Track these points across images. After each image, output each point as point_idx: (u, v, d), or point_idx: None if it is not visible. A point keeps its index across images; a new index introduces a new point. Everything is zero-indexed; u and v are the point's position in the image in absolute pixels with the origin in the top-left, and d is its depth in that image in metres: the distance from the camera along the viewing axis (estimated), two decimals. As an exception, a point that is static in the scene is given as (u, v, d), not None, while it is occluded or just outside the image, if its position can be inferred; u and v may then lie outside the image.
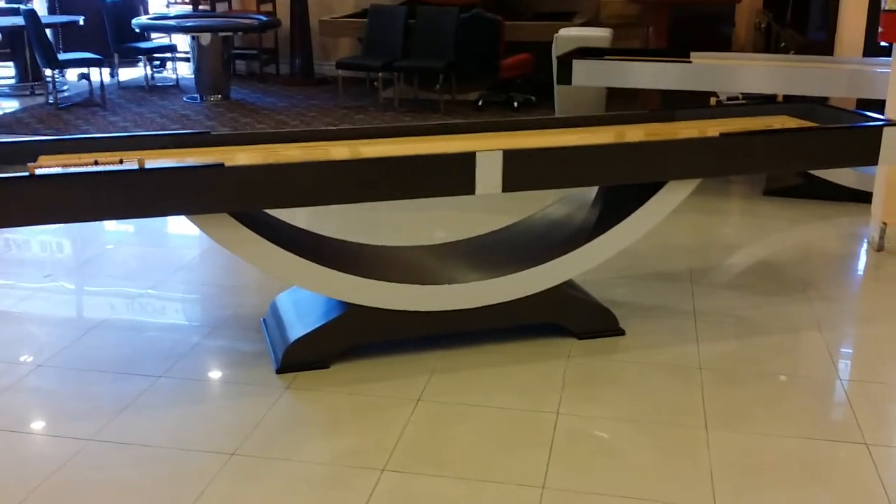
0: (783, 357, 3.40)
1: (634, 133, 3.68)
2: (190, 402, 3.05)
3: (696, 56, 5.91)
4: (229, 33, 8.69)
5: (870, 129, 3.55)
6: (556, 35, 7.02)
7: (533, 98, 8.43)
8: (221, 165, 2.94)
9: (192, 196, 2.92)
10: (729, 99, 4.03)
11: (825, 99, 5.79)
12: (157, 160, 3.14)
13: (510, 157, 3.19)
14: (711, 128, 3.77)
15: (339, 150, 3.36)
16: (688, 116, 3.96)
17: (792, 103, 4.09)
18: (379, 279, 3.28)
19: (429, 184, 3.17)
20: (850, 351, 3.51)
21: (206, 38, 8.45)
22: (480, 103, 8.42)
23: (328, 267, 3.19)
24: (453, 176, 3.17)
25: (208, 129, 7.27)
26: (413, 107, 8.39)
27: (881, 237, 4.52)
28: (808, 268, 4.33)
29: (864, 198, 5.13)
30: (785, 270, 4.30)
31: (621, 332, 3.59)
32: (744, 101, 4.07)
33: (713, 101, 3.93)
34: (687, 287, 4.08)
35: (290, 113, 8.12)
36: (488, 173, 3.19)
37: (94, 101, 8.49)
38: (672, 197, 3.47)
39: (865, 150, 3.56)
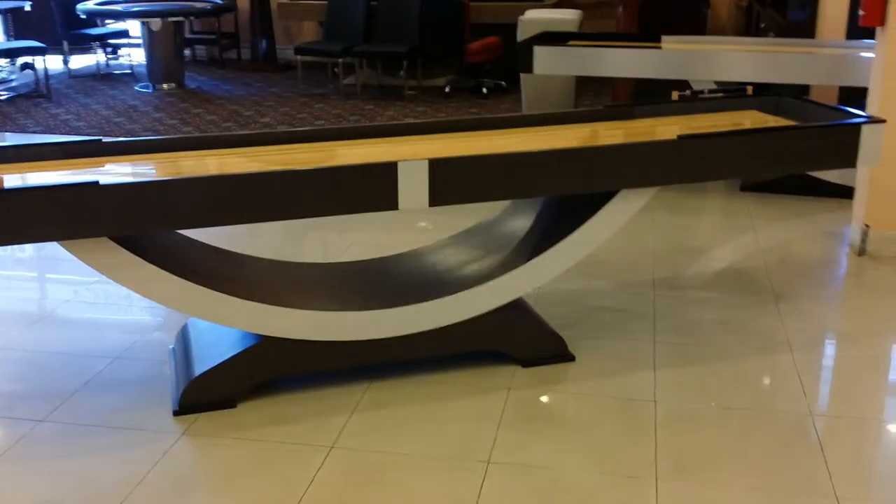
0: (748, 387, 3.03)
1: (584, 135, 3.29)
2: (69, 453, 2.66)
3: (666, 41, 5.51)
4: (181, 18, 8.24)
5: (847, 127, 3.16)
6: (520, 18, 6.60)
7: (504, 83, 8.01)
8: (96, 183, 2.54)
9: (62, 219, 2.52)
10: (693, 92, 3.65)
11: (805, 88, 5.41)
12: (27, 176, 2.75)
13: (438, 166, 2.80)
14: (674, 126, 3.39)
15: (243, 162, 2.97)
16: (647, 114, 3.57)
17: (762, 96, 3.70)
18: (293, 305, 2.90)
19: (343, 199, 2.76)
20: (825, 378, 3.13)
21: (156, 23, 8.00)
22: (448, 90, 8.01)
23: (229, 293, 2.81)
24: (372, 189, 2.78)
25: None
26: (376, 94, 7.97)
27: (863, 240, 4.15)
28: (783, 275, 3.96)
29: (846, 193, 4.76)
30: (757, 279, 3.92)
31: (571, 358, 3.21)
32: (718, 93, 3.67)
33: (675, 95, 3.55)
34: (649, 300, 3.70)
35: (246, 102, 7.70)
36: (412, 185, 2.80)
37: (40, 91, 8.04)
38: (625, 207, 3.08)
39: (842, 150, 3.17)
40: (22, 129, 6.75)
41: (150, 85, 8.28)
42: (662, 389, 3.00)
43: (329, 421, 2.82)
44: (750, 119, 3.54)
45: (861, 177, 4.24)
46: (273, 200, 2.69)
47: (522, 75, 6.62)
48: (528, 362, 3.17)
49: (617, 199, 3.06)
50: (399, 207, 2.82)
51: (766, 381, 3.07)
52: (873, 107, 4.04)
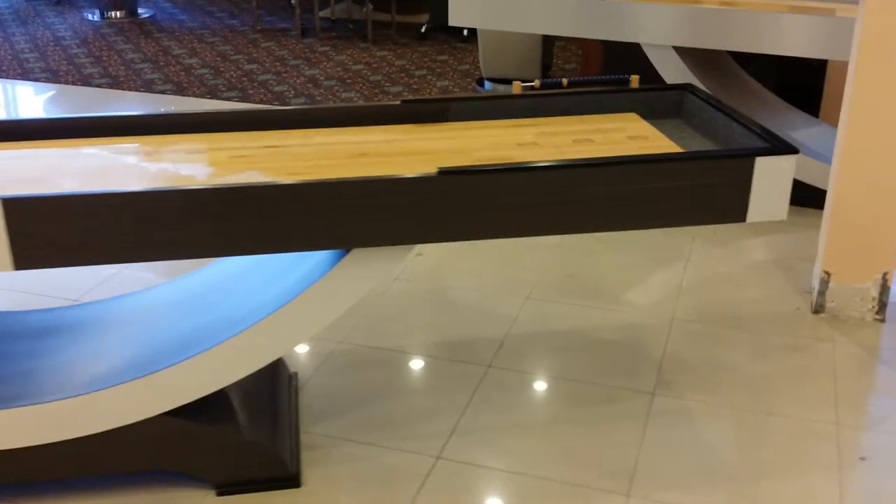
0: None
1: (329, 151, 2.19)
2: None
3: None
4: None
5: (724, 160, 1.98)
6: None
7: (491, 24, 6.77)
8: None
9: None
10: (544, 83, 2.48)
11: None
12: None
13: (18, 209, 1.77)
14: (493, 136, 2.26)
15: None
16: (470, 114, 2.43)
17: (660, 89, 2.50)
18: None
19: None
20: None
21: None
22: (424, 30, 6.83)
23: None
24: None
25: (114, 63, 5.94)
26: (343, 31, 6.86)
27: (821, 293, 2.93)
28: (686, 343, 2.79)
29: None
30: (645, 347, 2.77)
31: (293, 484, 2.18)
32: (587, 84, 2.51)
33: (517, 87, 2.40)
34: (473, 378, 2.62)
35: (187, 38, 6.70)
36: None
37: (-25, 17, 7.24)
38: (360, 275, 2.00)
39: (718, 198, 2.00)
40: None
41: (100, 12, 7.37)
42: (393, 559, 1.95)
43: None
44: (625, 129, 2.37)
45: (826, 208, 3.00)
46: None
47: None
48: (224, 488, 2.16)
49: (346, 261, 1.99)
50: (-40, 271, 1.81)
51: (560, 556, 1.98)
52: (843, 113, 2.78)
